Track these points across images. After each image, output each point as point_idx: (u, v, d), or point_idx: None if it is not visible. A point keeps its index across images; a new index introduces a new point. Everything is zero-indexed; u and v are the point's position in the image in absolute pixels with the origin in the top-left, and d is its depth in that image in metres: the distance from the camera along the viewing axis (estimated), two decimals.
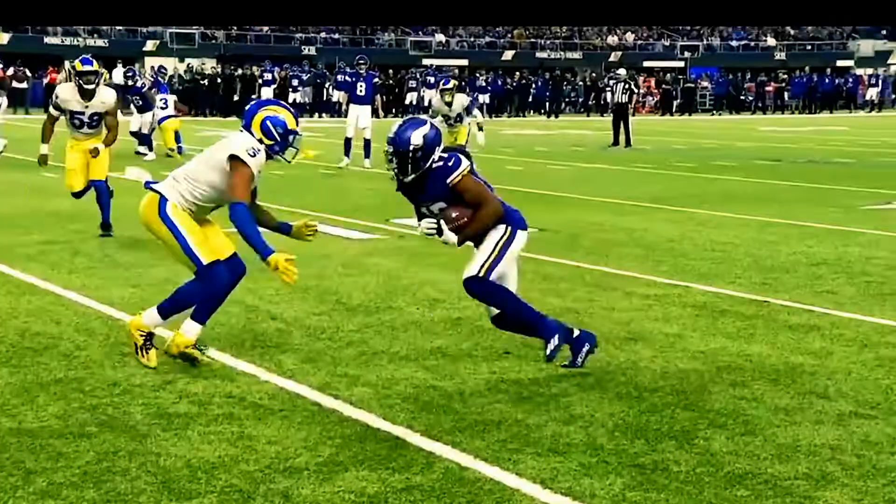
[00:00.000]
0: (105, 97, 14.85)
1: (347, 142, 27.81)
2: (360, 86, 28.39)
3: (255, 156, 8.61)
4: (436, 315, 10.71)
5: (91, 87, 14.43)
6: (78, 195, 16.18)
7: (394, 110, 57.73)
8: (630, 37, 79.32)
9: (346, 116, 29.98)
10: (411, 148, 8.48)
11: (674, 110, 68.65)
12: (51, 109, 15.46)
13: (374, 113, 29.51)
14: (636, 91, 44.73)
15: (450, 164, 8.70)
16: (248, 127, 8.90)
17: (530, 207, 19.10)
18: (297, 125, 9.20)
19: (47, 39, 70.60)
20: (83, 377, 8.47)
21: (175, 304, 8.73)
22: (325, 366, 8.80)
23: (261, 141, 8.82)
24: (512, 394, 8.11)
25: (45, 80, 62.35)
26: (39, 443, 7.05)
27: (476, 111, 25.20)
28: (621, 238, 16.11)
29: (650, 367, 8.95)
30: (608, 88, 47.54)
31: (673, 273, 13.13)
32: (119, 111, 16.09)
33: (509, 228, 8.74)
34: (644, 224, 17.56)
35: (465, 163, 8.80)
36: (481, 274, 8.51)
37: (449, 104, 22.98)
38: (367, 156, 27.51)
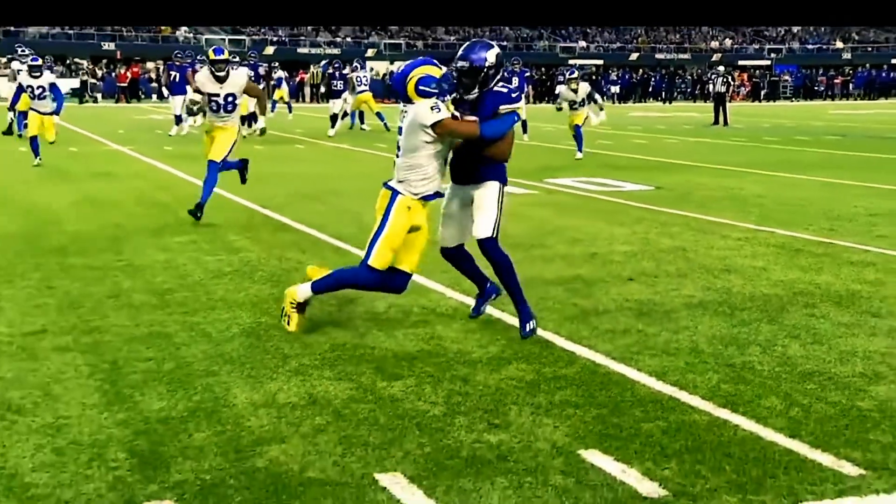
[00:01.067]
0: (236, 78, 12.91)
1: None
2: (514, 80, 28.18)
3: (440, 109, 7.08)
4: (576, 251, 10.67)
5: (222, 73, 12.71)
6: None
7: (546, 98, 57.64)
8: (728, 42, 77.70)
9: None
10: (486, 65, 7.22)
11: (761, 98, 67.43)
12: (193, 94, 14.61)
13: (526, 99, 29.43)
14: (731, 83, 43.82)
15: (513, 95, 7.48)
16: (406, 97, 7.27)
17: (652, 171, 19.11)
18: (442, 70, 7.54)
19: (299, 49, 70.84)
20: None
21: (330, 285, 7.37)
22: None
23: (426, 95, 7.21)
24: (634, 310, 8.06)
25: (297, 78, 62.56)
26: (293, 335, 7.23)
27: (597, 96, 24.03)
28: (720, 195, 15.86)
29: (741, 291, 8.83)
30: (710, 81, 46.67)
31: (760, 221, 12.91)
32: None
33: (501, 186, 7.47)
34: (738, 184, 17.31)
35: (522, 102, 7.89)
36: (495, 235, 7.37)
37: (575, 91, 22.09)
38: (524, 131, 27.30)
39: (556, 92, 28.06)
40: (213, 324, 7.57)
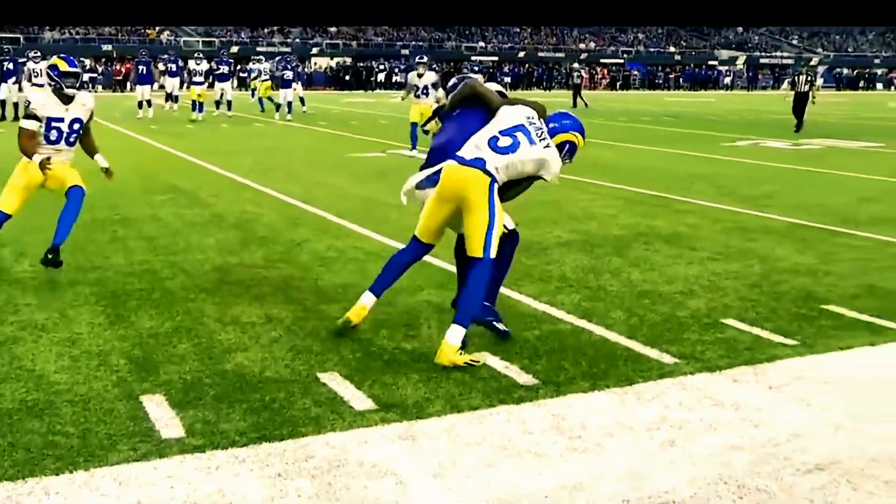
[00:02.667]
0: (85, 99, 7.28)
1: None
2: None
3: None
4: None
5: (71, 92, 7.11)
6: None
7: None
8: (592, 44, 77.82)
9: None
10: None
11: (617, 88, 67.78)
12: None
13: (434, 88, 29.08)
14: (583, 76, 43.46)
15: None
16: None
17: None
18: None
19: (259, 48, 69.18)
20: (273, 238, 8.62)
21: (471, 308, 5.18)
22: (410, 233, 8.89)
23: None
24: (520, 248, 8.15)
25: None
26: (250, 270, 7.25)
27: (440, 91, 17.19)
28: (585, 161, 15.77)
29: (598, 233, 9.00)
30: (570, 74, 46.61)
31: (613, 180, 13.09)
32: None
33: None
34: (598, 153, 17.33)
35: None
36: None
37: (420, 76, 17.43)
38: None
39: (404, 80, 23.95)
40: (189, 262, 7.54)
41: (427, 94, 17.45)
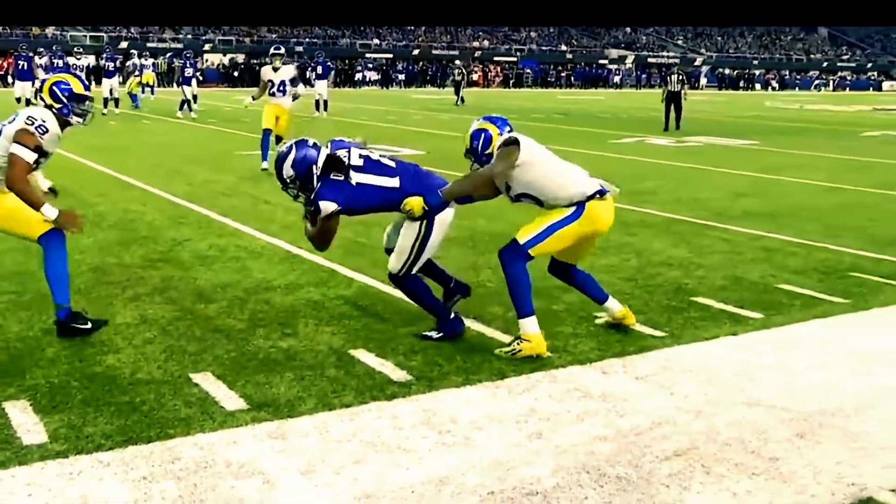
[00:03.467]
0: None
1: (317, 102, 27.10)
2: (319, 69, 27.67)
3: None
4: None
5: None
6: None
7: (347, 83, 57.71)
8: (486, 42, 78.27)
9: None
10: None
11: (511, 86, 68.36)
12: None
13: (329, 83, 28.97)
14: (465, 73, 43.18)
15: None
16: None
17: (424, 139, 19.16)
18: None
19: (149, 44, 67.44)
20: (154, 237, 8.44)
21: (521, 294, 5.29)
22: (294, 231, 8.81)
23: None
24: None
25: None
26: (128, 271, 7.08)
27: (301, 86, 15.28)
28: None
29: (484, 229, 9.01)
30: (455, 71, 46.38)
31: None
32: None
33: (424, 223, 5.50)
34: None
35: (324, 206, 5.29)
36: (401, 272, 5.53)
37: (276, 70, 14.16)
38: (325, 109, 27.01)
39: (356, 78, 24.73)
40: None
41: (283, 92, 14.25)
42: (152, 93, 33.69)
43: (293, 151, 5.40)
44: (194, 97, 28.16)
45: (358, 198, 5.42)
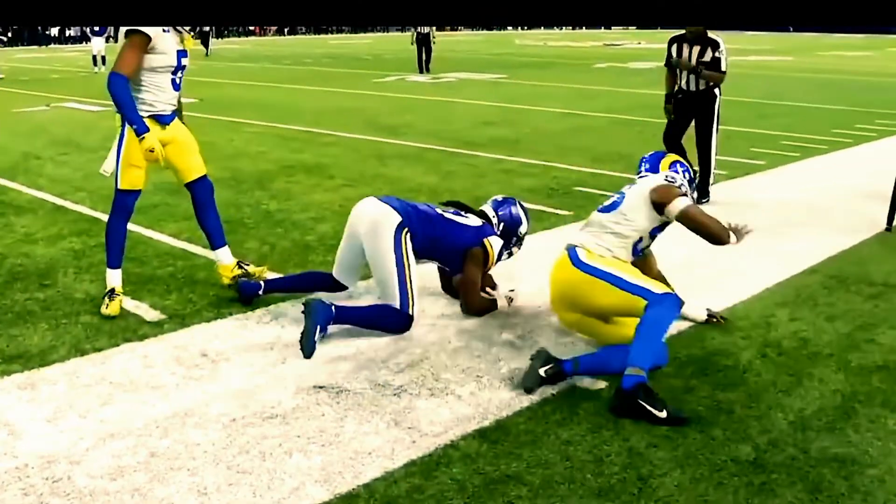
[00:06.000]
0: None
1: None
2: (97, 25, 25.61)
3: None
4: None
5: None
6: None
7: None
8: None
9: None
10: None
11: (285, 33, 66.38)
12: None
13: None
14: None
15: None
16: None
17: (199, 88, 18.28)
18: None
19: None
20: None
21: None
22: (62, 184, 8.22)
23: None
24: (167, 190, 7.75)
25: None
26: None
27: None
28: (245, 102, 15.51)
29: (246, 169, 8.71)
30: None
31: (271, 119, 12.79)
32: None
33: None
34: (259, 94, 17.02)
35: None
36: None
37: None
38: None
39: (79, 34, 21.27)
40: None
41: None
42: None
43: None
44: None
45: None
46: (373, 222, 4.32)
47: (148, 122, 4.48)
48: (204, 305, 4.71)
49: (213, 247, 5.02)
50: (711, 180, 7.46)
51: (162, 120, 4.61)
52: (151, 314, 4.59)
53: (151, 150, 4.40)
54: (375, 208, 4.40)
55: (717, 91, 7.28)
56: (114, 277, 4.73)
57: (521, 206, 4.85)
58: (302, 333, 4.03)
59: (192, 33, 4.69)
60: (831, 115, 13.78)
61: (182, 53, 4.58)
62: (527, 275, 5.18)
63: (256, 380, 3.78)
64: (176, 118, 4.78)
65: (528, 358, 3.82)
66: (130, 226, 6.41)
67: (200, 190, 4.93)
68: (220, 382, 3.75)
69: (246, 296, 4.70)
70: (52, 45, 50.00)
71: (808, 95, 16.85)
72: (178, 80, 4.63)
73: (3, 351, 4.14)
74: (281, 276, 4.99)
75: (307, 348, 3.99)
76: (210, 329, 4.38)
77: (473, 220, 4.63)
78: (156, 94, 4.52)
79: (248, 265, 5.09)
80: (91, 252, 5.80)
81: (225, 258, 5.00)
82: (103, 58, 24.75)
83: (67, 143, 10.79)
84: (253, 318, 4.52)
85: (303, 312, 4.09)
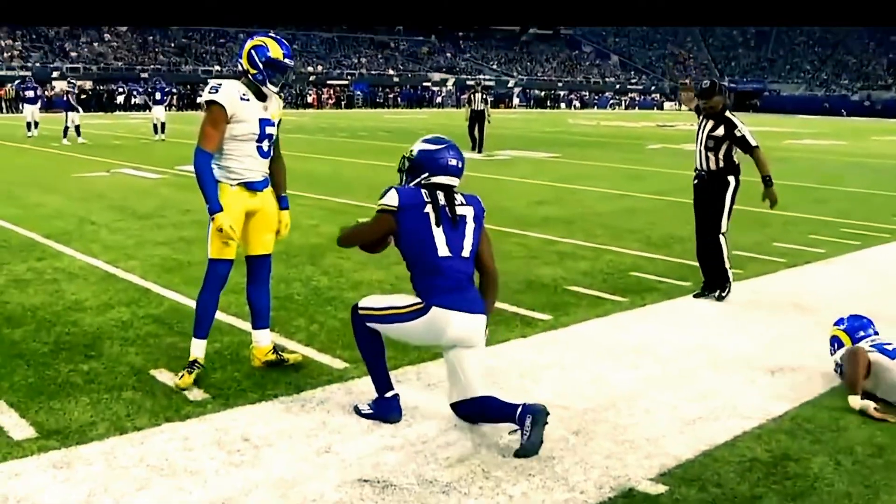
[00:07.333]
0: None
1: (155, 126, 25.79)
2: (157, 94, 26.25)
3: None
4: (185, 219, 10.13)
5: None
6: None
7: (190, 107, 55.53)
8: (320, 67, 77.28)
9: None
10: None
11: (343, 107, 67.67)
12: None
13: (169, 108, 27.62)
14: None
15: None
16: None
17: None
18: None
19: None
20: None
21: None
22: (115, 250, 8.23)
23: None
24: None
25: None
26: None
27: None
28: (298, 174, 15.61)
29: (296, 243, 8.65)
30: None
31: (321, 192, 12.81)
32: None
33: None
34: (312, 166, 17.15)
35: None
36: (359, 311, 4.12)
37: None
38: (162, 131, 25.73)
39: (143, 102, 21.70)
40: None
41: None
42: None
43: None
44: (36, 123, 26.50)
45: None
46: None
47: (238, 189, 4.52)
48: (249, 385, 4.56)
49: (255, 325, 4.90)
50: (730, 277, 6.82)
51: (252, 187, 4.59)
52: (194, 393, 4.45)
53: (220, 230, 4.35)
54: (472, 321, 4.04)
55: (730, 178, 6.70)
56: (197, 348, 4.65)
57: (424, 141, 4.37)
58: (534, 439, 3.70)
59: (281, 97, 4.60)
60: (890, 201, 13.45)
61: (266, 122, 4.55)
62: (579, 367, 4.98)
63: (299, 468, 3.60)
64: (269, 186, 4.72)
65: (580, 457, 3.61)
66: (178, 297, 6.42)
67: (261, 266, 4.86)
68: (261, 469, 3.58)
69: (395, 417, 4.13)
70: (118, 112, 51.52)
71: (865, 180, 16.53)
72: (264, 148, 4.60)
73: (41, 425, 4.03)
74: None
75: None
76: (254, 411, 4.22)
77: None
78: (242, 161, 4.52)
79: (282, 353, 4.92)
80: (139, 323, 5.72)
81: (263, 340, 4.87)
82: (163, 125, 25.31)
83: (123, 209, 10.89)
84: (298, 402, 4.36)
85: (531, 420, 3.71)
